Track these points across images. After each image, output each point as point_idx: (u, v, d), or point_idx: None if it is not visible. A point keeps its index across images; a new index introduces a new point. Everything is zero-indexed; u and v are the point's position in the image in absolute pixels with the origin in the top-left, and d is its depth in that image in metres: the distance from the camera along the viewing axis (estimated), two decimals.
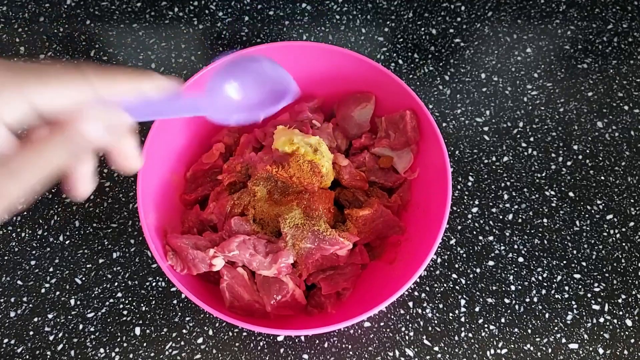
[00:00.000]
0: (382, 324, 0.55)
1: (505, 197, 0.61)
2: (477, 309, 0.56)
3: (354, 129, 0.57)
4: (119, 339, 0.53)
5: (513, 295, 0.56)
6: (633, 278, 0.57)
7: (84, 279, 0.56)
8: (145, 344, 0.53)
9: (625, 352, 0.54)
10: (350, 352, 0.53)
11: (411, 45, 0.69)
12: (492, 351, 0.54)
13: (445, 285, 0.57)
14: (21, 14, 0.70)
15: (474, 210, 0.60)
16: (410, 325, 0.55)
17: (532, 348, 0.54)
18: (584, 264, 0.58)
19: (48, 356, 0.53)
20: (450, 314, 0.55)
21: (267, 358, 0.53)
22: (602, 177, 0.62)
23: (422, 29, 0.71)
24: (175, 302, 0.55)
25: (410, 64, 0.68)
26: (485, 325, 0.55)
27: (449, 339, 0.54)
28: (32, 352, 0.53)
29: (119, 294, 0.55)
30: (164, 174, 0.51)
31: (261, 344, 0.53)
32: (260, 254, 0.46)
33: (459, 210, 0.60)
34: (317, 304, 0.50)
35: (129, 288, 0.55)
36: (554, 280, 0.57)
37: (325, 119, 0.57)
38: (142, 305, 0.55)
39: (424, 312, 0.55)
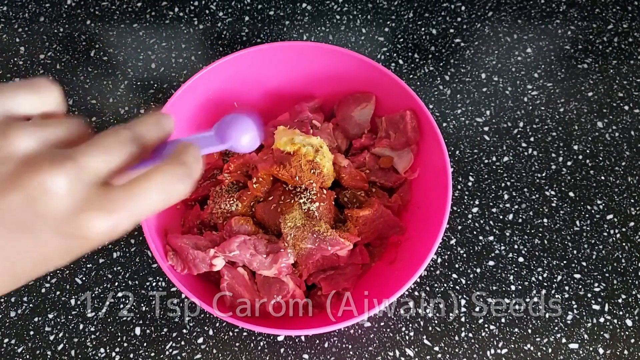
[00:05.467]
0: (382, 324, 0.55)
1: (506, 197, 0.61)
2: (477, 309, 0.56)
3: (354, 129, 0.57)
4: (119, 339, 0.53)
5: (513, 295, 0.56)
6: (633, 278, 0.57)
7: (84, 278, 0.56)
8: (145, 344, 0.53)
9: (625, 352, 0.54)
10: (351, 352, 0.53)
11: (411, 45, 0.69)
12: (492, 351, 0.54)
13: (445, 285, 0.57)
14: (21, 14, 0.70)
15: (474, 210, 0.60)
16: (410, 325, 0.55)
17: (532, 348, 0.54)
18: (584, 264, 0.58)
19: (48, 356, 0.53)
20: (451, 314, 0.55)
21: (267, 358, 0.53)
22: (602, 177, 0.62)
23: (423, 29, 0.71)
24: (175, 302, 0.55)
25: (410, 64, 0.68)
26: (486, 325, 0.55)
27: (449, 339, 0.54)
28: (33, 352, 0.53)
29: (120, 294, 0.55)
30: None
31: (261, 344, 0.54)
32: (260, 254, 0.46)
33: (459, 210, 0.60)
34: (317, 304, 0.50)
35: (129, 288, 0.55)
36: (554, 280, 0.57)
37: (325, 119, 0.57)
38: (142, 305, 0.55)
39: (424, 312, 0.55)
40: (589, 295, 0.57)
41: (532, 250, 0.58)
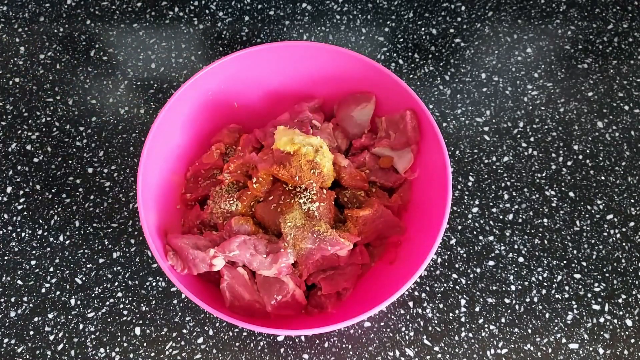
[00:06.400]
0: (382, 324, 0.55)
1: (506, 197, 0.61)
2: (477, 309, 0.56)
3: (354, 129, 0.57)
4: (119, 339, 0.53)
5: (513, 295, 0.56)
6: (633, 278, 0.57)
7: (84, 278, 0.56)
8: (145, 344, 0.53)
9: (625, 352, 0.54)
10: (351, 352, 0.53)
11: (411, 45, 0.69)
12: (492, 351, 0.54)
13: (445, 285, 0.57)
14: (21, 14, 0.70)
15: (474, 210, 0.60)
16: (410, 325, 0.55)
17: (532, 348, 0.54)
18: (584, 264, 0.58)
19: (48, 356, 0.53)
20: (451, 314, 0.55)
21: (267, 358, 0.53)
22: (602, 177, 0.62)
23: (423, 29, 0.71)
24: (175, 302, 0.55)
25: (410, 64, 0.68)
26: (486, 325, 0.55)
27: (449, 339, 0.54)
28: (32, 352, 0.53)
29: (119, 294, 0.55)
30: (164, 174, 0.51)
31: (261, 344, 0.54)
32: (260, 254, 0.46)
33: (459, 210, 0.60)
34: (317, 304, 0.50)
35: (129, 288, 0.55)
36: (554, 280, 0.57)
37: (325, 119, 0.57)
38: (142, 305, 0.55)
39: (424, 312, 0.55)
40: (589, 295, 0.57)
41: (532, 250, 0.58)
